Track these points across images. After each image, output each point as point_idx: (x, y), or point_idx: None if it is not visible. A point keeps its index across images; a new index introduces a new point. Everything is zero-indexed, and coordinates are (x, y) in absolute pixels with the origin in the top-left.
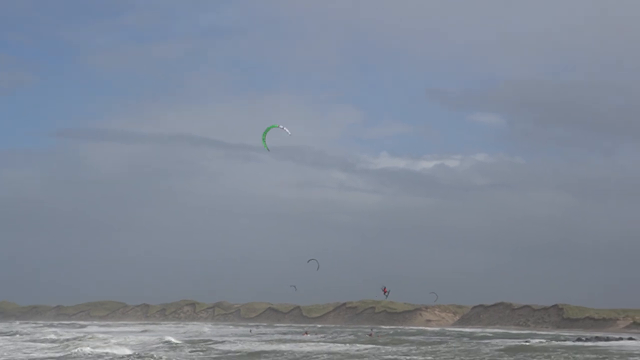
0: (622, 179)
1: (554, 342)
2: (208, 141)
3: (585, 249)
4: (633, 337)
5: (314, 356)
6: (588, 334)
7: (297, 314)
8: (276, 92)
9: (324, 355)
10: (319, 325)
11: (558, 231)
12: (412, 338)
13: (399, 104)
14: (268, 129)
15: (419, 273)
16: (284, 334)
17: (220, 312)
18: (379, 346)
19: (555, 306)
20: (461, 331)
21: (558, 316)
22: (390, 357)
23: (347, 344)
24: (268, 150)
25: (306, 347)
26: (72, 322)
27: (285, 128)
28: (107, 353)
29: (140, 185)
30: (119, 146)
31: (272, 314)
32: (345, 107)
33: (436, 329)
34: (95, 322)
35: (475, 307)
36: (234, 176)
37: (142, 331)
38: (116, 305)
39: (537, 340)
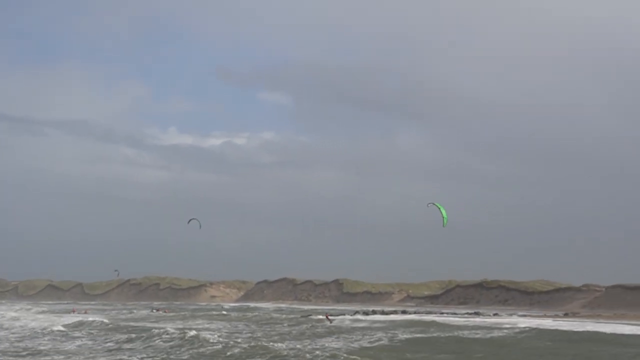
0: (399, 158)
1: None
2: None
3: (363, 225)
4: (406, 309)
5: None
6: (366, 308)
7: (78, 291)
8: (64, 63)
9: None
10: (119, 304)
11: (340, 208)
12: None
13: (188, 81)
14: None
15: (204, 250)
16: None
17: None
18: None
19: (335, 281)
20: (268, 307)
21: (338, 291)
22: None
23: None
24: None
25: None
26: None
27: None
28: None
29: None
30: None
31: (53, 291)
32: (133, 82)
33: (234, 304)
34: None
35: (259, 282)
36: (17, 150)
37: None
38: None
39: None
